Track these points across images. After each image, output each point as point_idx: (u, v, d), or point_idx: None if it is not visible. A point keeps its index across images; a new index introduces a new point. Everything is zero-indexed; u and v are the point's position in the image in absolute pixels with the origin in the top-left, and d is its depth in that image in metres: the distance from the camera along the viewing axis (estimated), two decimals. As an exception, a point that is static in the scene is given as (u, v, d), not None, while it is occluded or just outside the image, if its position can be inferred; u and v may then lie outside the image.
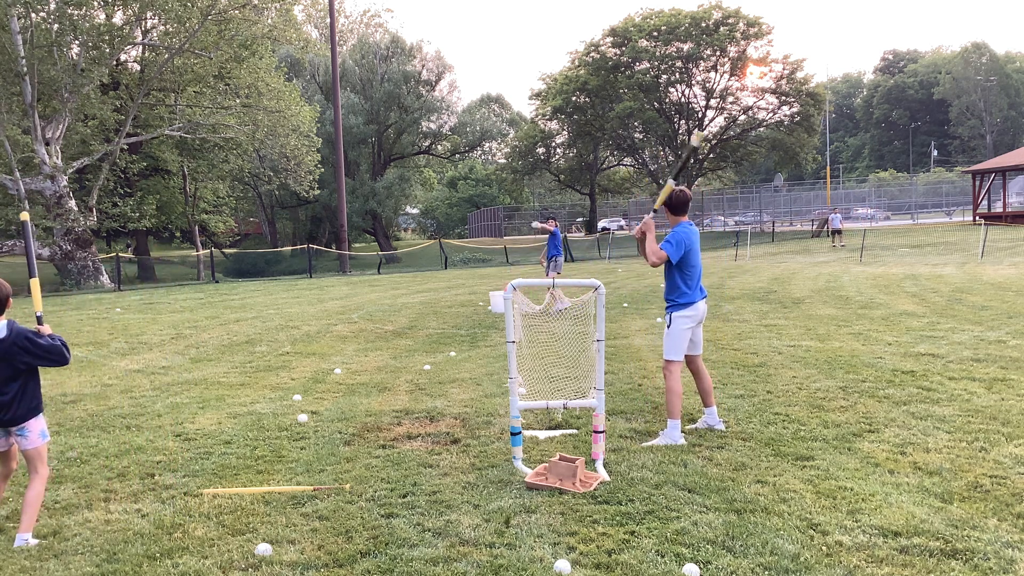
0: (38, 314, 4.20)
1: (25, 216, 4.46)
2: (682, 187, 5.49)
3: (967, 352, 8.18)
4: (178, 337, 11.83)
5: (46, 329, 4.05)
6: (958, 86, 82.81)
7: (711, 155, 49.62)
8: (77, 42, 25.08)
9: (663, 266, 5.42)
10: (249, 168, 35.78)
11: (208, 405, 7.02)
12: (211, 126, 28.96)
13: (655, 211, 5.46)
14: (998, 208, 42.57)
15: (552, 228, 14.03)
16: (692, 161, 5.85)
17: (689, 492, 4.32)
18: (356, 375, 8.27)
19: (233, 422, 6.32)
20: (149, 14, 26.81)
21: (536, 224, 14.96)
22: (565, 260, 32.44)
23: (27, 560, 3.75)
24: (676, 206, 5.44)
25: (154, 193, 33.66)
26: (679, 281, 5.38)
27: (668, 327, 5.41)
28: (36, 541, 3.94)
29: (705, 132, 47.59)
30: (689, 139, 5.89)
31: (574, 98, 47.58)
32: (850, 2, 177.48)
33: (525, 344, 5.24)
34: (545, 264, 14.33)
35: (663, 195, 5.42)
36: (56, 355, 3.94)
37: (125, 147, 27.62)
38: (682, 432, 5.38)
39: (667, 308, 5.45)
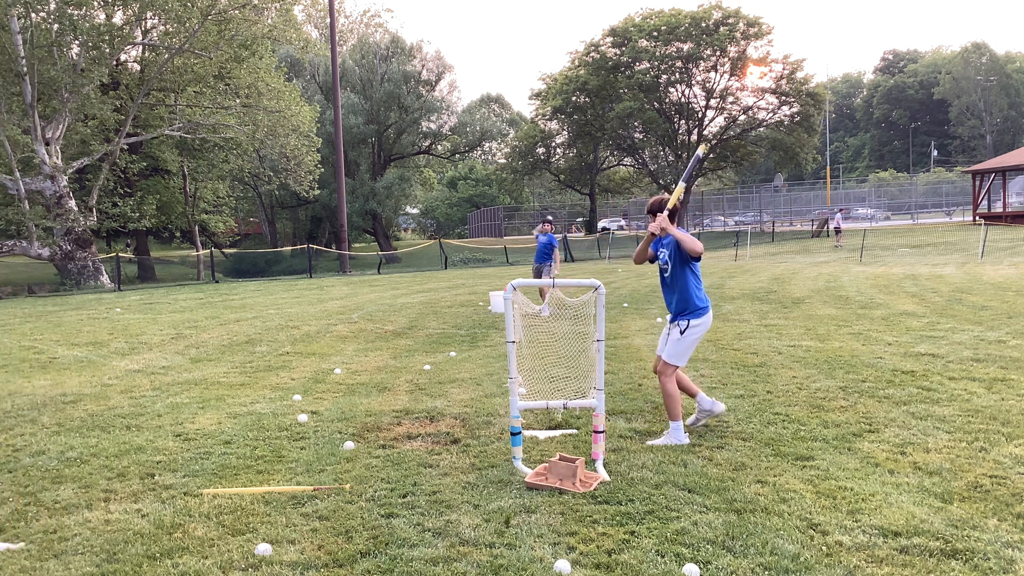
0: None
1: None
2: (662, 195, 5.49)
3: (967, 352, 8.18)
4: (178, 337, 11.83)
5: None
6: (958, 86, 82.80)
7: (711, 155, 49.61)
8: (77, 42, 25.08)
9: (671, 275, 5.36)
10: (249, 168, 35.78)
11: (208, 405, 7.01)
12: (211, 126, 28.96)
13: (670, 210, 5.25)
14: (998, 208, 42.57)
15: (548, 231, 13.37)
16: (699, 167, 5.90)
17: (689, 492, 4.32)
18: (356, 375, 8.27)
19: (233, 422, 6.32)
20: (149, 14, 26.81)
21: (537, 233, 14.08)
22: (565, 260, 32.49)
23: (27, 560, 3.75)
24: (660, 211, 5.27)
25: (154, 193, 33.66)
26: (695, 287, 5.33)
27: (682, 334, 5.32)
28: (4, 546, 3.91)
29: (709, 140, 47.62)
30: (697, 149, 5.73)
31: (574, 98, 47.57)
32: (850, 2, 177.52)
33: (525, 344, 5.24)
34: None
35: (676, 195, 5.25)
36: None
37: (125, 147, 27.62)
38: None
39: (682, 316, 5.33)
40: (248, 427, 6.12)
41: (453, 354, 9.38)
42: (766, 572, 3.37)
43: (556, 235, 13.48)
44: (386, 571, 3.50)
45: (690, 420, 5.68)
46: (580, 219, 62.47)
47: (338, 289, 21.54)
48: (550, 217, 14.33)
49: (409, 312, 14.37)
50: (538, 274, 13.36)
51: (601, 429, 4.88)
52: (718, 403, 5.62)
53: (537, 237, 13.57)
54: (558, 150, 54.95)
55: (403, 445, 5.48)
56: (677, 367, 5.36)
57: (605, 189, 60.10)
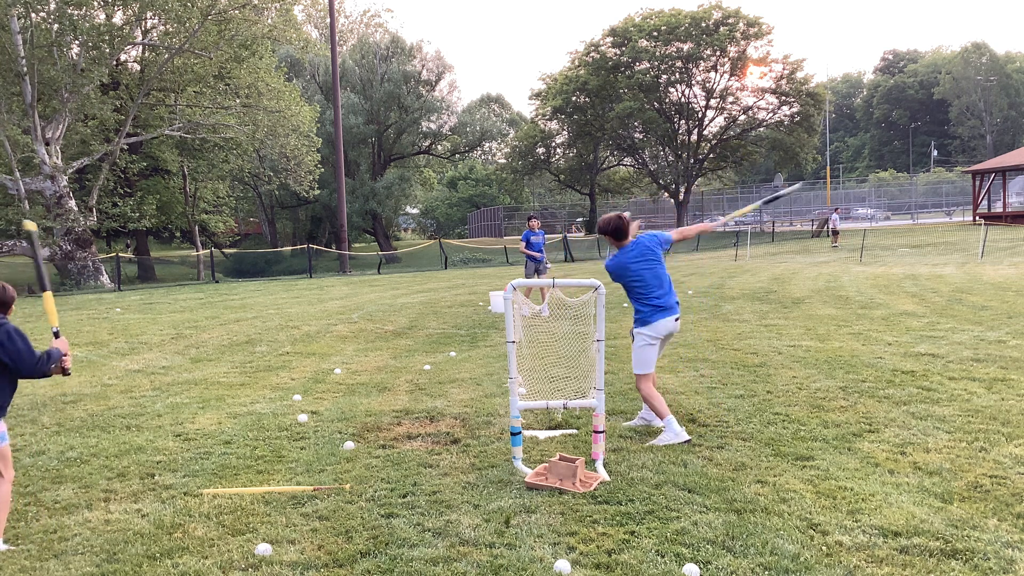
0: (54, 329, 4.06)
1: (31, 226, 4.19)
2: (620, 213, 5.59)
3: (967, 352, 8.18)
4: (178, 337, 11.83)
5: (62, 344, 3.93)
6: (958, 86, 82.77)
7: (711, 155, 49.65)
8: (77, 42, 25.07)
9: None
10: (249, 168, 35.76)
11: (208, 405, 7.01)
12: (211, 126, 28.95)
13: (732, 220, 5.77)
14: (998, 208, 42.58)
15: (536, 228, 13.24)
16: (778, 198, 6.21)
17: (689, 492, 4.32)
18: (356, 375, 8.27)
19: (233, 422, 6.32)
20: (149, 14, 26.80)
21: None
22: (565, 260, 32.49)
23: (27, 560, 3.75)
24: (612, 233, 5.50)
25: (154, 193, 33.65)
26: (633, 301, 5.56)
27: (633, 342, 5.58)
28: (5, 546, 3.87)
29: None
30: (794, 185, 6.04)
31: (574, 98, 47.56)
32: (850, 2, 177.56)
33: (525, 344, 5.24)
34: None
35: (745, 210, 5.92)
36: (25, 360, 3.71)
37: (125, 147, 27.60)
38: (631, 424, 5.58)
39: (635, 325, 5.60)
40: (248, 427, 6.12)
41: (453, 354, 9.38)
42: (766, 572, 3.37)
43: (544, 232, 13.47)
44: (386, 571, 3.50)
45: (633, 422, 5.82)
46: (580, 219, 62.45)
47: (338, 289, 21.54)
48: (531, 214, 14.35)
49: (409, 312, 14.37)
50: (539, 273, 13.32)
51: (601, 429, 4.89)
52: (658, 420, 5.60)
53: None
54: (558, 150, 54.92)
55: (403, 445, 5.49)
56: (642, 375, 5.49)
57: (605, 189, 60.07)
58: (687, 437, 5.26)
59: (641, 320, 5.47)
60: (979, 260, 21.31)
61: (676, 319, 5.52)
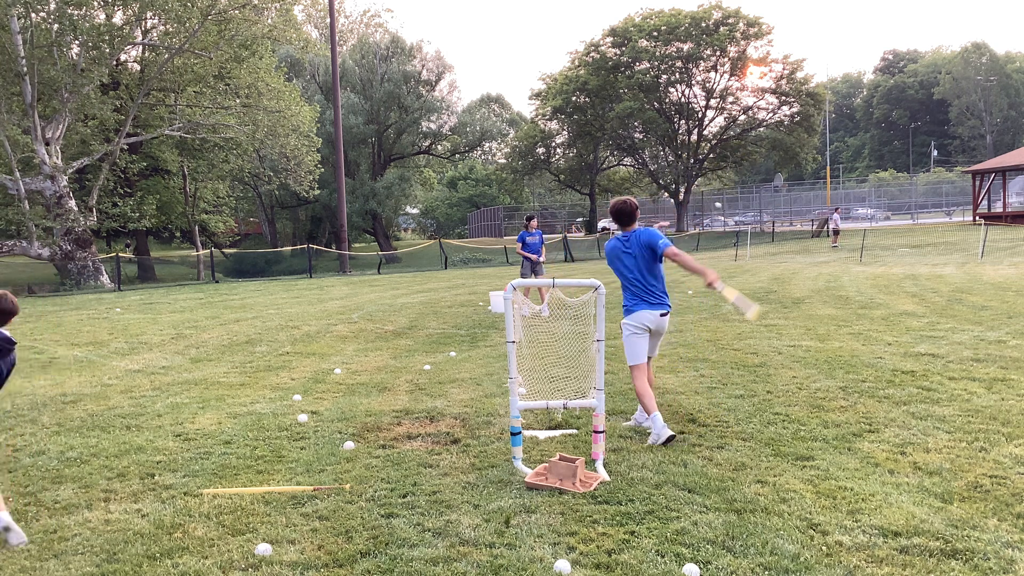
0: None
1: None
2: (626, 198, 5.62)
3: (967, 352, 8.18)
4: (178, 337, 11.83)
5: None
6: (958, 86, 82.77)
7: (711, 155, 49.67)
8: (77, 42, 25.07)
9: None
10: (249, 168, 35.74)
11: (208, 405, 7.01)
12: (211, 126, 28.95)
13: (719, 286, 5.17)
14: (998, 208, 42.57)
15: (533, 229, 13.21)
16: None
17: (689, 492, 4.32)
18: (356, 375, 8.27)
19: (233, 422, 6.32)
20: (149, 14, 26.80)
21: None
22: (565, 260, 32.48)
23: (27, 560, 3.75)
24: (614, 215, 5.59)
25: (154, 193, 33.64)
26: (623, 291, 5.63)
27: (622, 334, 5.63)
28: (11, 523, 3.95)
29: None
30: (748, 313, 5.47)
31: (574, 98, 47.58)
32: (850, 2, 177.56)
33: (525, 344, 5.24)
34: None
35: (728, 296, 5.21)
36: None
37: (125, 147, 27.59)
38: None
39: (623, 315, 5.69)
40: (248, 427, 6.12)
41: (453, 354, 9.38)
42: (766, 572, 3.37)
43: (539, 232, 13.46)
44: (386, 571, 3.50)
45: (629, 422, 5.81)
46: (580, 219, 62.45)
47: (338, 289, 21.54)
48: (531, 214, 14.36)
49: (409, 312, 14.37)
50: (535, 274, 13.28)
51: (601, 429, 4.89)
52: (648, 421, 5.45)
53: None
54: (558, 150, 54.95)
55: (403, 445, 5.49)
56: (633, 365, 5.53)
57: (605, 189, 60.06)
58: (669, 434, 5.21)
59: (626, 310, 5.57)
60: (979, 260, 21.31)
61: (662, 315, 5.51)
